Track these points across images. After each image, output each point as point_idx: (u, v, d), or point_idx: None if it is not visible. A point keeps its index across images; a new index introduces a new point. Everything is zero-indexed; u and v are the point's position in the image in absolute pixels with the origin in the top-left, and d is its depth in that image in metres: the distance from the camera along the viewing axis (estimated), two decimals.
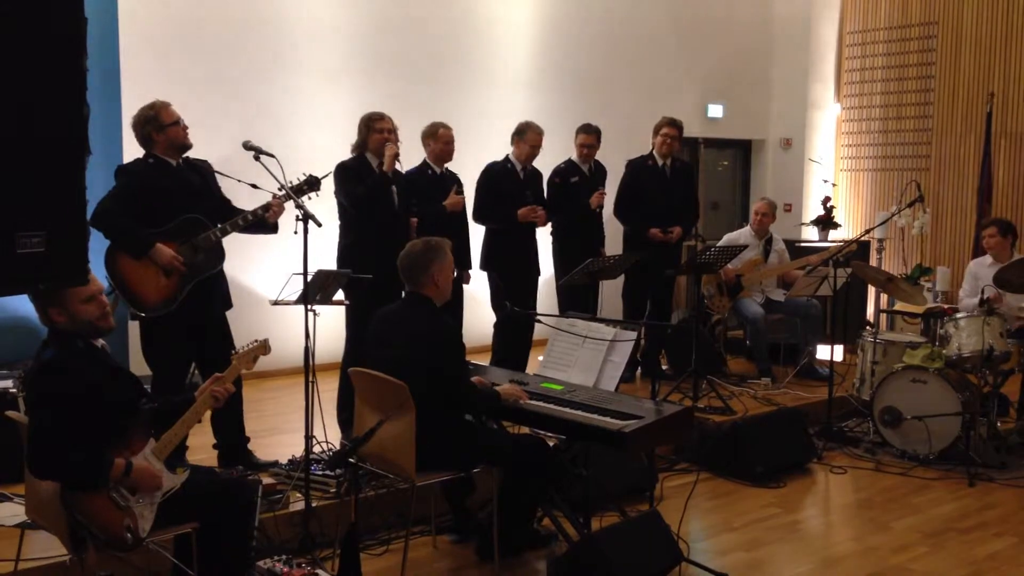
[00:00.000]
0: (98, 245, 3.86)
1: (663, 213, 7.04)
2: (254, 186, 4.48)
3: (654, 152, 7.19)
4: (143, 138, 4.62)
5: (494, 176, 6.48)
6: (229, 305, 4.85)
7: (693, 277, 6.86)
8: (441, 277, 4.13)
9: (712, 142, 10.56)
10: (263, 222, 4.65)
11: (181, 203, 4.55)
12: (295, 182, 4.62)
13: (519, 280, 6.48)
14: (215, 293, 4.72)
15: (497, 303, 6.32)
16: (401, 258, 4.17)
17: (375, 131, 5.35)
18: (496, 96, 8.48)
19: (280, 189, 4.45)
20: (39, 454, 3.16)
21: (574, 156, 6.94)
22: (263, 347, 3.72)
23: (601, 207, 6.85)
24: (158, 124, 4.57)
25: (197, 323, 4.62)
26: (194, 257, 4.53)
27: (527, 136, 6.48)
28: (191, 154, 4.71)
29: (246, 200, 4.73)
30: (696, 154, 10.38)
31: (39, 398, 3.21)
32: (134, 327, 5.88)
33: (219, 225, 4.59)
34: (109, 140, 6.13)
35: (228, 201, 4.82)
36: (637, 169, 7.22)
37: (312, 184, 4.70)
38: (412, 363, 3.92)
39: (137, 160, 4.66)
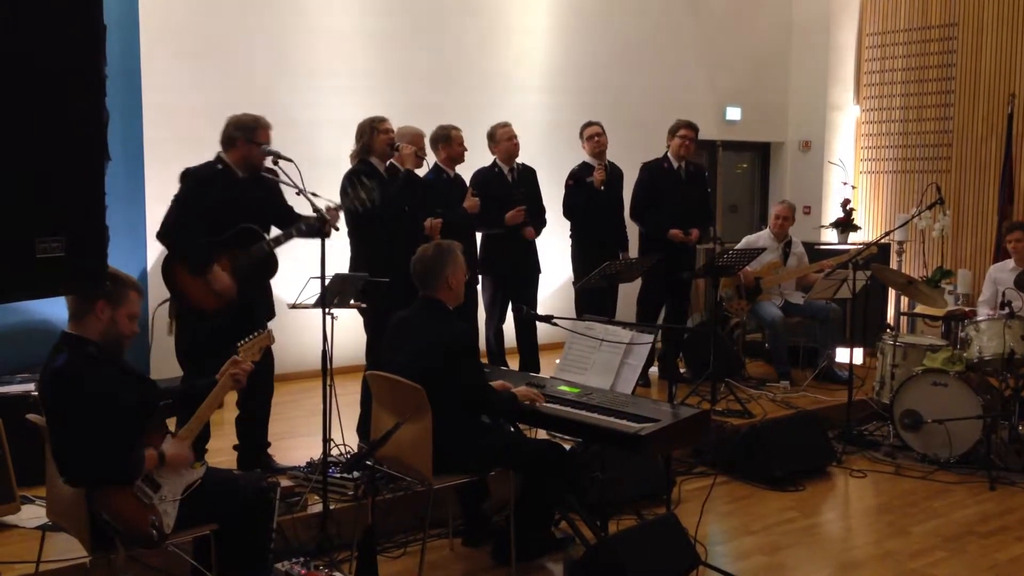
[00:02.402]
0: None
1: (679, 215, 7.03)
2: (314, 194, 4.37)
3: (669, 155, 7.19)
4: (226, 138, 4.63)
5: (481, 181, 6.38)
6: (272, 315, 4.84)
7: (711, 280, 6.85)
8: (454, 280, 4.15)
9: (730, 145, 10.52)
10: (317, 231, 4.57)
11: (239, 216, 4.55)
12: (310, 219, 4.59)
13: (519, 282, 6.46)
14: (259, 303, 4.75)
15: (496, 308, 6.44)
16: (414, 263, 4.19)
17: (381, 131, 5.31)
18: (511, 101, 8.46)
19: (298, 193, 4.46)
20: (72, 461, 3.19)
21: (586, 157, 6.93)
22: (267, 337, 3.73)
23: (604, 182, 6.73)
24: (249, 137, 4.59)
25: (239, 329, 4.62)
26: (245, 269, 4.55)
27: (497, 135, 6.45)
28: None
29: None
30: (714, 157, 10.35)
31: (59, 407, 3.22)
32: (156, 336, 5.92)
33: (271, 236, 4.61)
34: (129, 146, 6.17)
35: (292, 210, 4.78)
36: (653, 172, 7.20)
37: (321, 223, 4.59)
38: (427, 367, 3.94)
39: (205, 164, 4.66)
